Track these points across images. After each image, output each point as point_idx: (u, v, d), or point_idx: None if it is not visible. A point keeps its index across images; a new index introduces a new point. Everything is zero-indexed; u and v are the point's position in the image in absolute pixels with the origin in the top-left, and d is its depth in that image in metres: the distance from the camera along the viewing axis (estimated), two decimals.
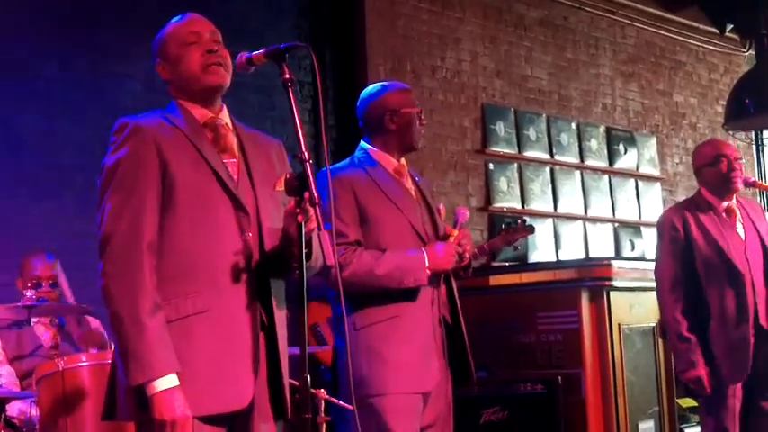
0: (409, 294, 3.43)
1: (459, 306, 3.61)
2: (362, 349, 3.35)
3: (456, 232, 3.55)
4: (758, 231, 4.47)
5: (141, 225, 2.49)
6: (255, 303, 2.61)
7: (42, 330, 4.65)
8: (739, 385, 4.29)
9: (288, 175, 2.46)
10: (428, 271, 3.43)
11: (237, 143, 2.73)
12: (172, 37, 2.72)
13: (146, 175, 2.53)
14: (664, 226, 4.44)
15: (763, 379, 4.30)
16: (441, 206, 3.77)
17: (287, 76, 2.55)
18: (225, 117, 2.76)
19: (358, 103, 3.72)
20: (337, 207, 3.37)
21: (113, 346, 2.59)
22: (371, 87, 3.74)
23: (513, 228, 4.58)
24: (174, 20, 2.77)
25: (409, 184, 3.64)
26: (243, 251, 2.60)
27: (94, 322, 4.74)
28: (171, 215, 2.54)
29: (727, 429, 4.27)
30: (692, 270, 4.35)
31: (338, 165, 3.58)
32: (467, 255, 3.56)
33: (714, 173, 4.46)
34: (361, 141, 3.70)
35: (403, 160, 3.67)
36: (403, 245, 3.46)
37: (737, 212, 4.47)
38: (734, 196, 4.50)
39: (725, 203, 4.46)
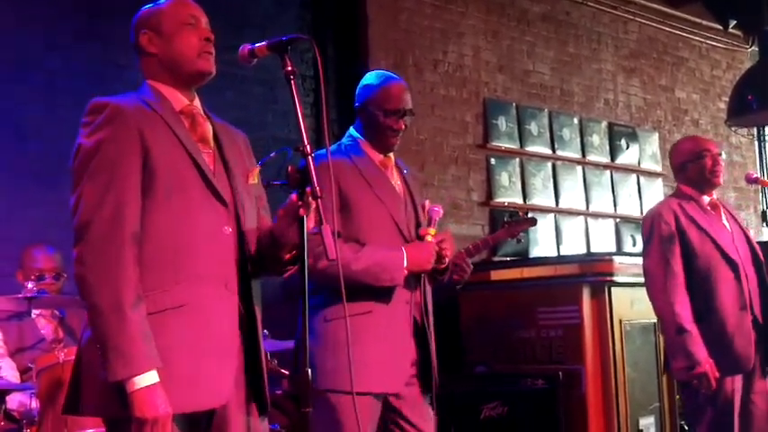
0: (384, 292, 3.36)
1: (430, 309, 3.52)
2: (330, 342, 3.27)
3: (433, 231, 3.48)
4: (739, 224, 4.54)
5: (124, 213, 2.41)
6: (234, 299, 2.56)
7: (44, 323, 4.64)
8: (739, 376, 4.28)
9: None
10: (405, 271, 3.37)
11: (212, 133, 2.69)
12: (169, 13, 2.66)
13: (128, 161, 2.45)
14: (653, 221, 4.42)
15: (756, 369, 4.30)
16: (426, 201, 3.69)
17: (289, 68, 2.54)
18: (198, 105, 2.71)
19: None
20: (325, 195, 3.25)
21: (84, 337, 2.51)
22: (370, 74, 3.65)
23: (515, 220, 4.55)
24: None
25: (395, 179, 3.57)
26: (222, 244, 2.56)
27: None
28: (150, 204, 2.47)
29: (728, 422, 4.25)
30: (686, 263, 4.33)
31: (323, 151, 3.37)
32: (447, 257, 3.49)
33: (697, 168, 4.48)
34: (351, 128, 3.63)
35: (391, 155, 3.59)
36: (382, 237, 3.40)
37: (720, 206, 4.52)
38: (713, 192, 4.52)
39: (707, 198, 4.49)
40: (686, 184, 4.53)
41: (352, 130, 3.62)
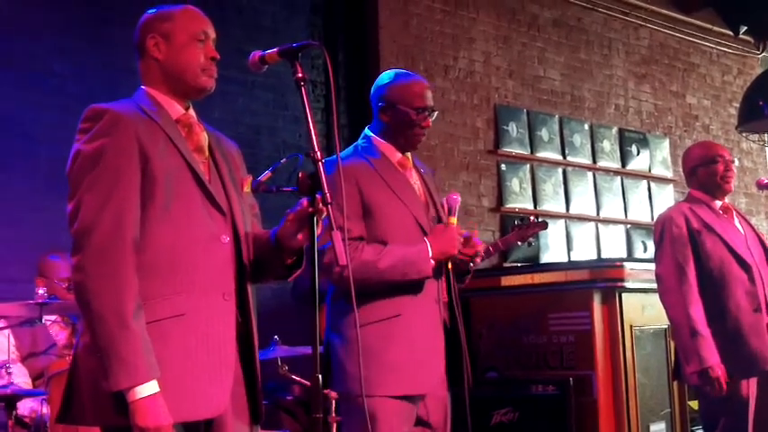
0: (413, 289, 3.32)
1: (458, 308, 3.47)
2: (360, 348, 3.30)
3: (454, 219, 3.42)
4: (753, 228, 4.54)
5: (125, 221, 2.39)
6: (232, 308, 2.55)
7: (57, 330, 4.65)
8: (754, 379, 4.26)
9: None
10: (432, 261, 3.32)
11: (207, 143, 2.68)
12: (182, 24, 2.64)
13: (129, 169, 2.43)
14: (664, 225, 4.40)
15: None
16: (444, 200, 3.69)
17: (300, 74, 2.54)
18: (194, 115, 2.70)
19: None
20: (340, 201, 3.12)
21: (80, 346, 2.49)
22: (389, 72, 3.60)
23: (526, 224, 4.56)
24: (181, 6, 2.69)
25: (413, 179, 3.52)
26: (220, 254, 2.55)
27: None
28: (149, 212, 2.45)
29: (742, 426, 4.22)
30: (698, 265, 4.31)
31: (335, 156, 3.29)
32: (476, 245, 3.44)
33: (709, 173, 4.48)
34: (366, 128, 3.58)
35: (408, 154, 3.55)
36: (407, 239, 3.36)
37: (732, 210, 4.52)
38: (725, 197, 4.52)
39: (719, 203, 4.49)
40: (697, 189, 4.53)
41: (367, 131, 3.57)
